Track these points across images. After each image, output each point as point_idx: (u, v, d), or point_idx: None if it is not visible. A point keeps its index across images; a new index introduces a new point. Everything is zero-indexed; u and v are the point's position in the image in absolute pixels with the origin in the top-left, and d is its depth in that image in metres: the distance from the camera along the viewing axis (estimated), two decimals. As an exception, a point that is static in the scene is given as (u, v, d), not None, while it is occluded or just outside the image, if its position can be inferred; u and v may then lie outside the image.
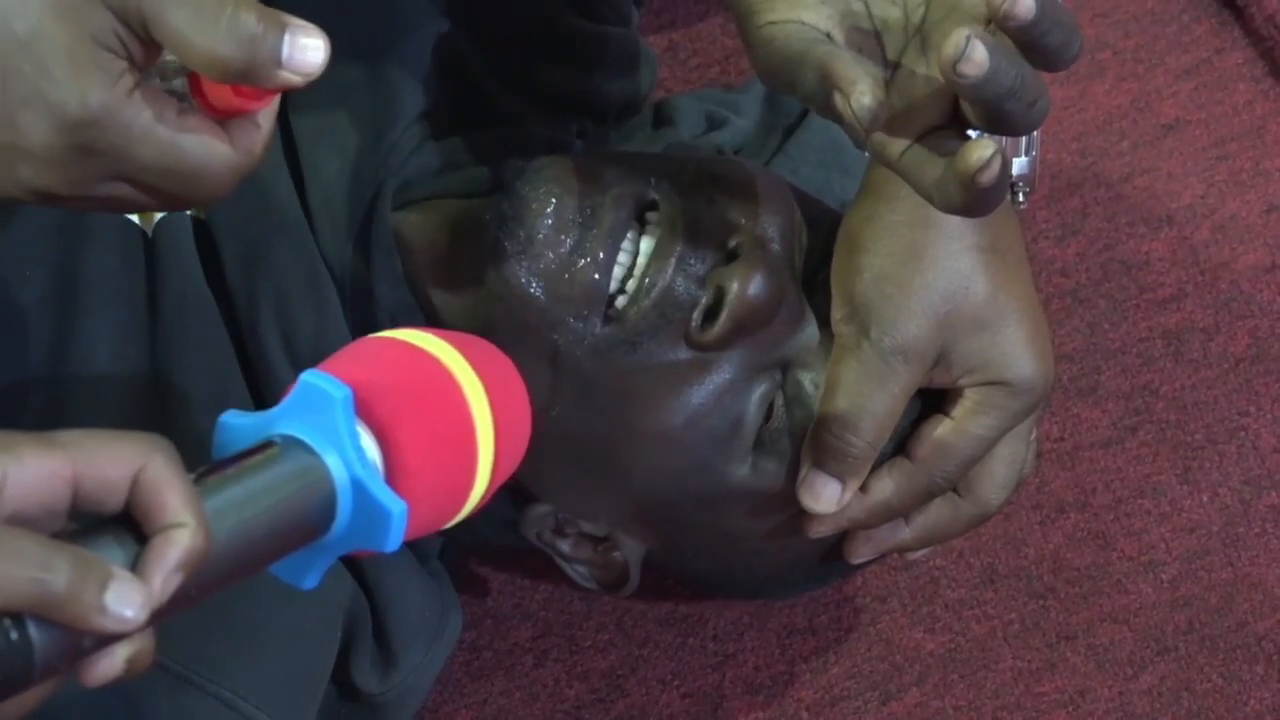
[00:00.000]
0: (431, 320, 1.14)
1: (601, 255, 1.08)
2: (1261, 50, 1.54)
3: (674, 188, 1.11)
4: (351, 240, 1.15)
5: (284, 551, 0.78)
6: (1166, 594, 1.37)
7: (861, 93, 0.88)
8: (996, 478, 1.13)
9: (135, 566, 0.72)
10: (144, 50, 0.86)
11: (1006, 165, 0.88)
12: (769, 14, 0.94)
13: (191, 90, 0.88)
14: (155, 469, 0.73)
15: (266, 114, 0.90)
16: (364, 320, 1.15)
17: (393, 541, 0.79)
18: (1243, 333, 1.44)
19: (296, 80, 0.86)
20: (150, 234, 1.11)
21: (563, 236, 1.08)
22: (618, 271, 1.09)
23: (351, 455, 0.78)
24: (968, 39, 0.85)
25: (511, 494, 1.16)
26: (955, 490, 1.13)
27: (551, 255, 1.08)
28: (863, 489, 1.10)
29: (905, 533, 1.14)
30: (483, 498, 0.85)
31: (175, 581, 0.72)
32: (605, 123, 1.32)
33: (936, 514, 1.14)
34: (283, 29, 0.85)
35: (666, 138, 1.34)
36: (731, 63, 1.54)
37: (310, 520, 0.78)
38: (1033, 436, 1.15)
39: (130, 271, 1.11)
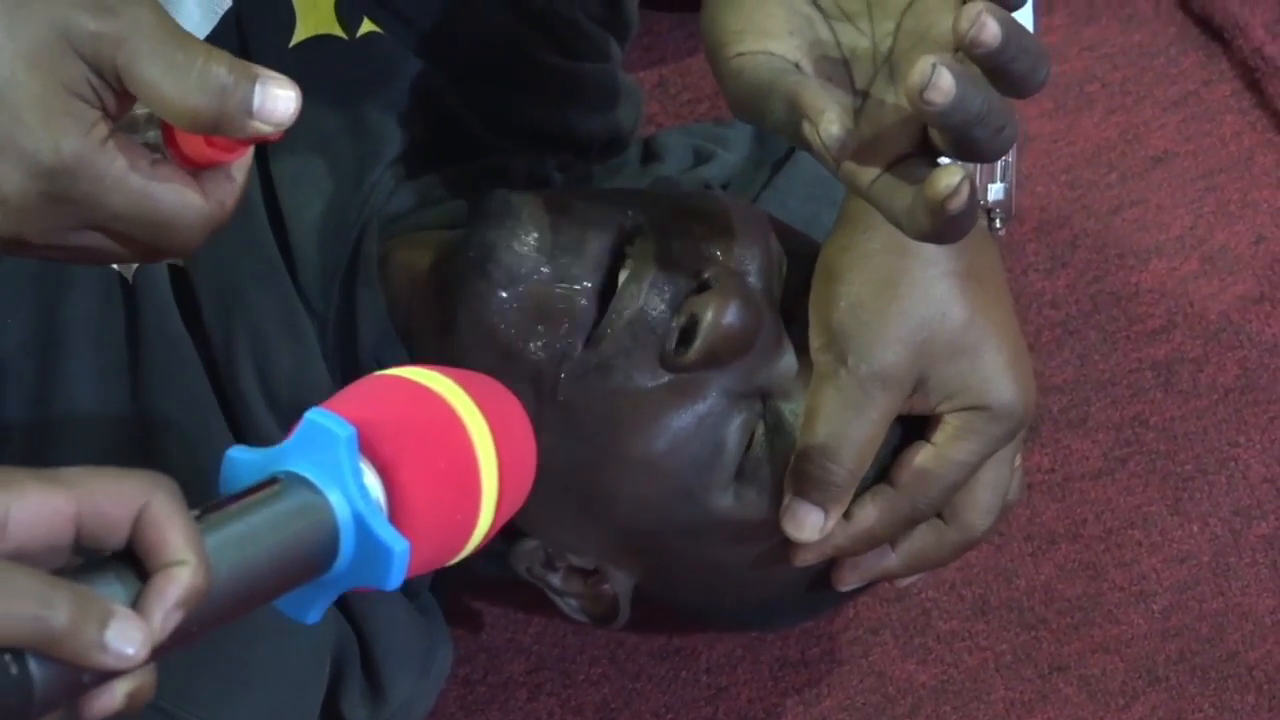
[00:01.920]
0: (414, 354, 1.14)
1: (582, 284, 1.08)
2: (1249, 81, 1.55)
3: (651, 221, 1.11)
4: (336, 281, 1.16)
5: (285, 588, 0.78)
6: (1158, 624, 1.37)
7: (830, 121, 0.88)
8: (981, 504, 1.13)
9: (136, 604, 0.72)
10: (117, 100, 0.87)
11: (975, 191, 0.89)
12: (738, 45, 0.95)
13: (165, 141, 0.89)
14: (158, 506, 0.74)
15: (240, 166, 0.90)
16: (348, 359, 1.15)
17: (394, 579, 0.79)
18: (1232, 363, 1.45)
19: (268, 130, 0.87)
20: (130, 279, 1.12)
21: (544, 267, 1.09)
22: (597, 300, 1.09)
23: (355, 493, 0.79)
24: (934, 66, 0.85)
25: (503, 531, 1.17)
26: (941, 517, 1.13)
27: (533, 285, 1.08)
28: (846, 516, 1.10)
29: (892, 560, 1.15)
30: (486, 535, 0.85)
31: (175, 619, 0.73)
32: (589, 158, 1.33)
33: (922, 541, 1.14)
34: (254, 79, 0.86)
35: (654, 173, 1.35)
36: (721, 97, 1.53)
37: (312, 557, 0.79)
38: (1017, 462, 1.15)
39: (110, 315, 1.12)
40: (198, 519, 0.75)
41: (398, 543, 0.79)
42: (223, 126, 0.86)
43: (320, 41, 1.21)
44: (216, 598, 0.74)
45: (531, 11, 1.27)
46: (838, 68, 0.94)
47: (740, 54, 0.94)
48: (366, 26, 1.23)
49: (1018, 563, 1.38)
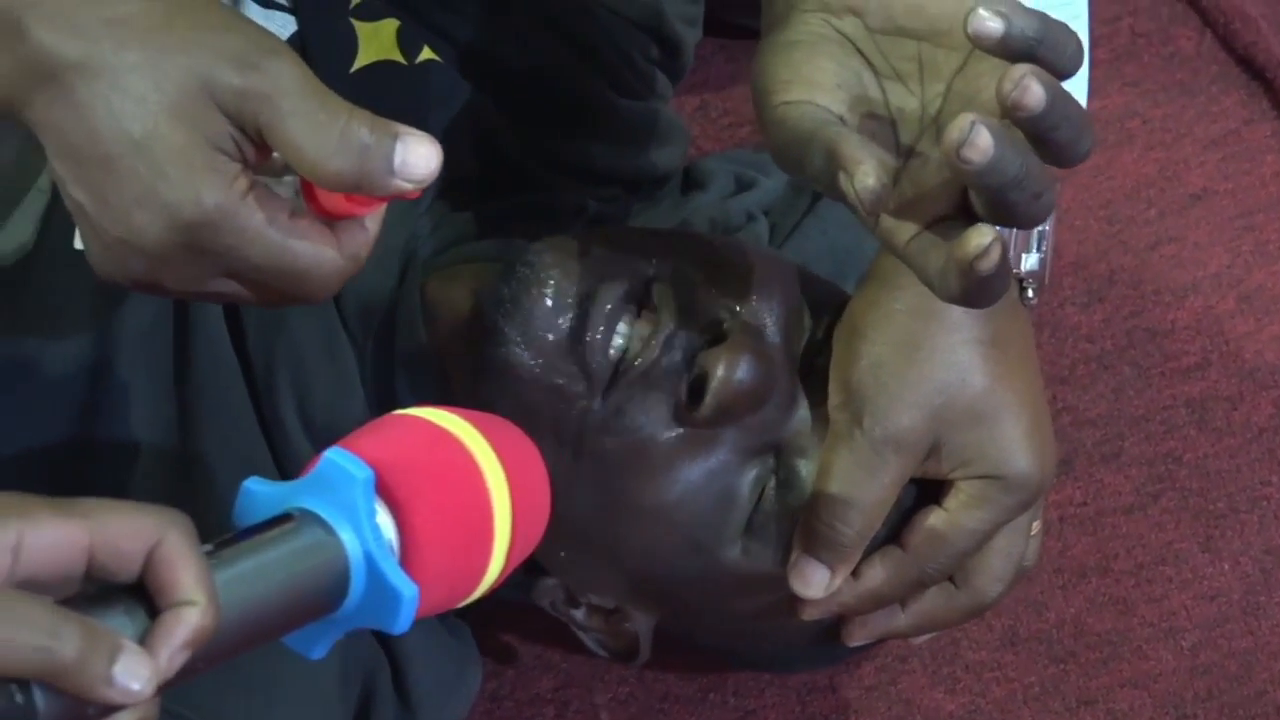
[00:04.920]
0: (445, 392, 1.14)
1: (598, 337, 1.08)
2: (1289, 122, 1.55)
3: (672, 270, 1.10)
4: (377, 313, 1.16)
5: (294, 625, 0.79)
6: (1186, 661, 1.37)
7: (865, 174, 0.87)
8: (993, 570, 1.12)
9: (144, 640, 0.73)
10: (257, 152, 0.87)
11: (1007, 255, 0.88)
12: (784, 94, 0.94)
13: (303, 191, 0.90)
14: (170, 545, 0.74)
15: (373, 217, 0.91)
16: (384, 392, 1.16)
17: (402, 623, 0.80)
18: (1266, 403, 1.45)
19: (408, 188, 0.87)
20: None
21: (560, 319, 1.08)
22: (612, 353, 1.09)
23: (368, 536, 0.79)
24: (972, 124, 0.84)
25: (526, 565, 1.17)
26: (952, 580, 1.13)
27: (549, 338, 1.08)
28: (854, 575, 1.10)
29: (901, 619, 1.14)
30: (495, 582, 0.86)
31: (182, 658, 0.73)
32: (634, 194, 1.33)
33: (931, 603, 1.14)
34: (395, 137, 0.87)
35: (695, 202, 1.34)
36: (763, 123, 1.54)
37: (322, 597, 0.79)
38: (1034, 529, 1.15)
39: (161, 334, 1.12)
40: (211, 553, 0.76)
41: (407, 588, 0.80)
42: (364, 185, 0.87)
43: (380, 67, 1.22)
44: (224, 634, 0.75)
45: (588, 49, 1.27)
46: (883, 126, 0.94)
47: (785, 102, 0.94)
48: (426, 54, 1.23)
49: (1048, 595, 1.38)
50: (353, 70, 1.21)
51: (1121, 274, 1.49)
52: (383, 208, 0.91)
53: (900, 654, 1.36)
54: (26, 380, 1.10)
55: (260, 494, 0.81)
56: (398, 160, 0.87)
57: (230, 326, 1.14)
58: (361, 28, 1.22)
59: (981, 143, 0.84)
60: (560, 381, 1.08)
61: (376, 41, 1.22)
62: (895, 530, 1.11)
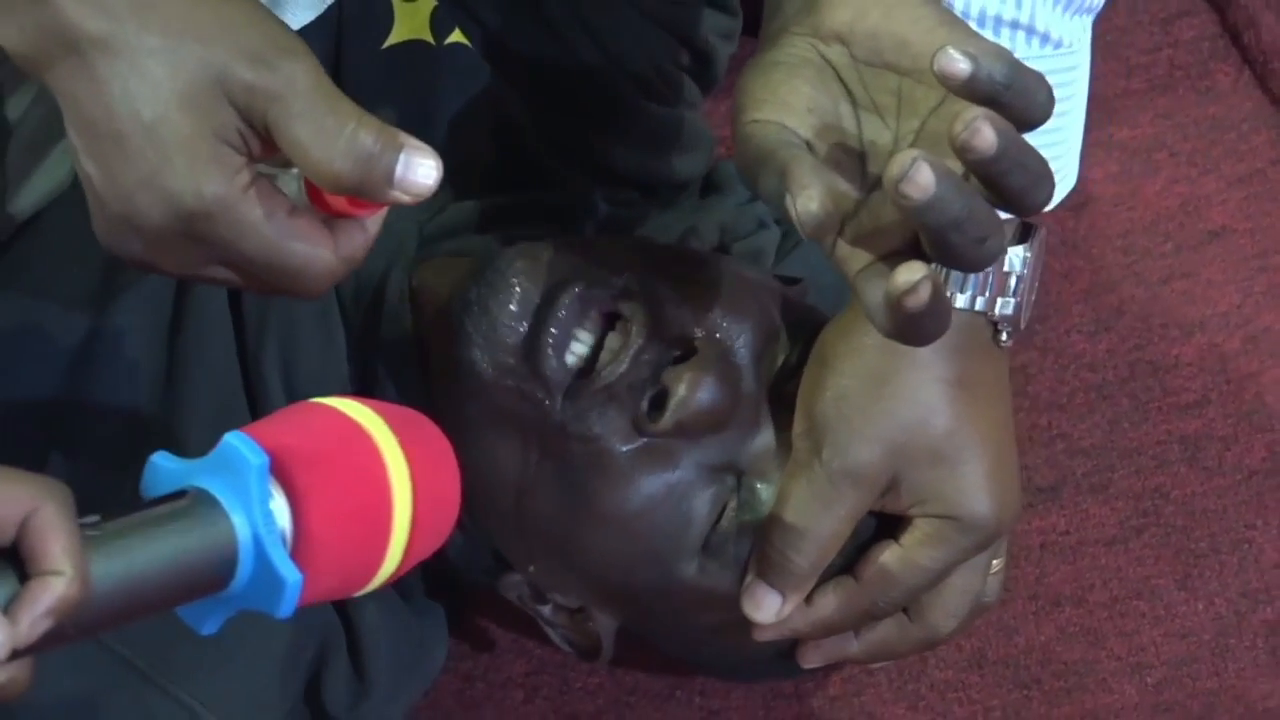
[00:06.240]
0: (423, 380, 1.17)
1: (550, 341, 1.09)
2: (1318, 166, 1.55)
3: (648, 284, 1.11)
4: (370, 290, 1.18)
5: (178, 600, 0.82)
6: (1150, 697, 1.38)
7: (809, 199, 0.88)
8: (948, 607, 1.14)
9: (9, 607, 0.76)
10: (263, 146, 0.90)
11: (940, 294, 0.87)
12: (756, 112, 0.96)
13: (306, 186, 0.92)
14: (45, 515, 0.77)
15: (374, 219, 0.93)
16: (367, 365, 1.18)
17: (285, 608, 0.83)
18: (1260, 445, 1.45)
19: (406, 199, 0.90)
20: None
21: (519, 325, 1.10)
22: (570, 360, 1.10)
23: (258, 520, 0.82)
24: (914, 160, 0.84)
25: (495, 557, 1.20)
26: (907, 612, 1.14)
27: (508, 341, 1.10)
28: (807, 602, 1.11)
29: (854, 646, 1.16)
30: (392, 576, 0.88)
31: (43, 625, 0.76)
32: (655, 195, 1.34)
33: (885, 633, 1.15)
34: (399, 149, 0.89)
35: (712, 205, 1.35)
36: (793, 129, 1.56)
37: (208, 575, 0.82)
38: (996, 567, 1.16)
39: (164, 285, 1.15)
40: (98, 524, 0.79)
41: (291, 574, 0.82)
42: (364, 191, 0.89)
43: (410, 46, 1.24)
44: (99, 604, 0.78)
45: (617, 50, 1.28)
46: (852, 157, 0.95)
47: (755, 120, 0.95)
48: (455, 37, 1.25)
49: (1019, 621, 1.39)
50: (385, 46, 1.23)
51: (1131, 305, 1.49)
52: (384, 211, 0.93)
53: (868, 667, 1.38)
54: (26, 323, 1.14)
55: (164, 469, 0.84)
56: (399, 172, 0.89)
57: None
58: (400, 5, 1.24)
59: (921, 180, 0.84)
60: (515, 384, 1.10)
61: (412, 20, 1.24)
62: (851, 560, 1.12)
